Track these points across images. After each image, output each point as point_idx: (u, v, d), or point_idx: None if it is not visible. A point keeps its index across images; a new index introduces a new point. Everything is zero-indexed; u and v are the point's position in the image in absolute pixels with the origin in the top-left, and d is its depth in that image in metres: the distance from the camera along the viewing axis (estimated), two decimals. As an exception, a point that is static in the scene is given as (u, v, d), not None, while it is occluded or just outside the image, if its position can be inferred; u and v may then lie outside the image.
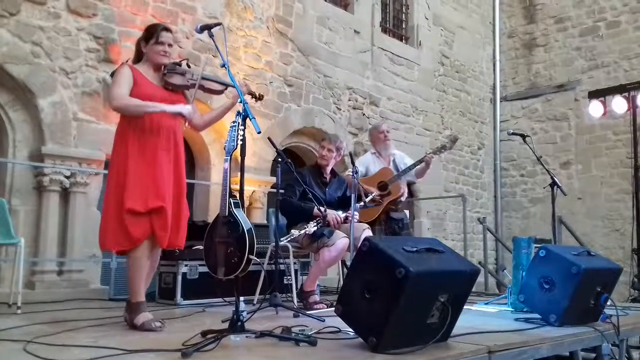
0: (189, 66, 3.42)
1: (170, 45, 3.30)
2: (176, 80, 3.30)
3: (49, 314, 3.71)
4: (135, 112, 3.15)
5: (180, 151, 3.32)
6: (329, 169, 4.63)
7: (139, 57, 3.32)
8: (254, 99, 3.48)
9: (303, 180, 4.30)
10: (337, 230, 4.17)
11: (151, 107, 3.14)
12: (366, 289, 2.47)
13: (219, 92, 3.55)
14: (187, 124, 3.38)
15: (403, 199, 5.11)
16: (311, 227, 4.12)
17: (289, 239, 4.10)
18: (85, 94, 5.30)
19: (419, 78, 9.14)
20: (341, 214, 4.34)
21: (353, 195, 4.19)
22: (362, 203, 4.45)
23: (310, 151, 7.56)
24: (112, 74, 3.27)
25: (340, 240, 4.09)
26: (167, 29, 3.32)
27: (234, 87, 3.31)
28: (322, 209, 4.19)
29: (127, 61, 3.27)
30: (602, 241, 9.31)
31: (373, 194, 4.70)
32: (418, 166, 5.01)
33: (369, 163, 5.20)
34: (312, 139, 7.52)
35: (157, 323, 3.06)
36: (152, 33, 3.27)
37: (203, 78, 3.35)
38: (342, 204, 4.55)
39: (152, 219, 3.09)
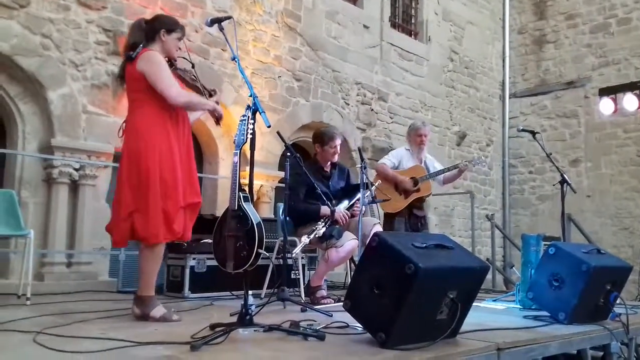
0: (193, 67, 3.47)
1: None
2: (182, 75, 3.38)
3: (58, 306, 3.73)
4: (195, 108, 3.28)
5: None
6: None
7: (147, 39, 3.24)
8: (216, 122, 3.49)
9: (307, 178, 4.25)
10: (346, 232, 4.15)
11: (206, 105, 3.30)
12: (375, 285, 2.46)
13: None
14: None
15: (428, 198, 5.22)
16: (320, 229, 4.08)
17: (300, 248, 4.06)
18: (95, 86, 5.31)
19: (427, 74, 9.10)
20: (346, 205, 4.34)
21: (361, 191, 4.17)
22: (368, 193, 4.40)
23: (318, 146, 7.54)
24: (131, 57, 3.15)
25: (349, 242, 4.07)
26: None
27: (207, 93, 3.43)
28: (331, 207, 4.16)
29: (141, 44, 3.19)
30: (611, 239, 9.26)
31: (376, 184, 4.71)
32: (449, 172, 5.15)
33: (402, 157, 5.23)
34: (320, 134, 7.50)
35: (176, 316, 3.11)
36: (176, 27, 3.30)
37: (197, 79, 3.46)
38: (347, 193, 4.54)
39: (187, 213, 3.16)
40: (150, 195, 3.04)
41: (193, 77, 3.40)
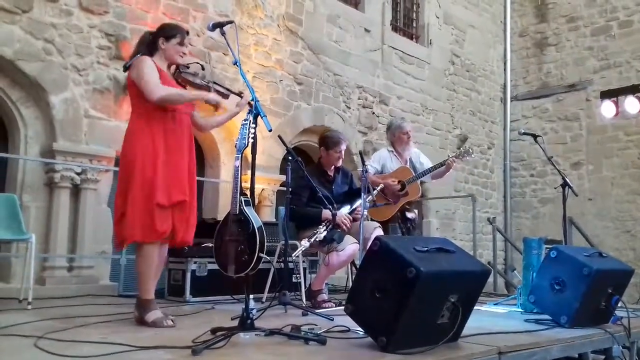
0: (203, 69, 3.48)
1: (186, 47, 3.38)
2: (192, 79, 3.37)
3: (59, 310, 3.73)
4: (179, 101, 3.22)
5: (193, 149, 3.37)
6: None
7: (149, 51, 3.31)
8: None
9: (309, 182, 4.26)
10: (347, 235, 4.15)
11: (192, 95, 3.27)
12: (376, 289, 2.46)
13: (225, 97, 3.60)
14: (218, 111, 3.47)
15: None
16: (321, 233, 4.08)
17: (300, 251, 4.06)
18: (97, 91, 5.32)
19: (429, 77, 9.10)
20: (348, 210, 4.33)
21: (362, 196, 4.17)
22: (370, 197, 4.39)
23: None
24: (127, 67, 3.24)
25: (350, 247, 4.08)
26: (188, 32, 3.41)
27: (237, 94, 3.40)
28: (332, 211, 4.16)
29: (139, 54, 3.25)
30: (613, 242, 9.25)
31: (379, 187, 4.65)
32: (437, 169, 4.99)
33: (385, 160, 5.09)
34: (322, 138, 7.50)
35: (168, 321, 3.08)
36: (175, 34, 3.31)
37: (214, 82, 3.44)
38: (350, 197, 4.54)
39: (174, 213, 3.13)
40: (129, 197, 3.08)
41: (206, 81, 3.40)
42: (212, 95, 3.30)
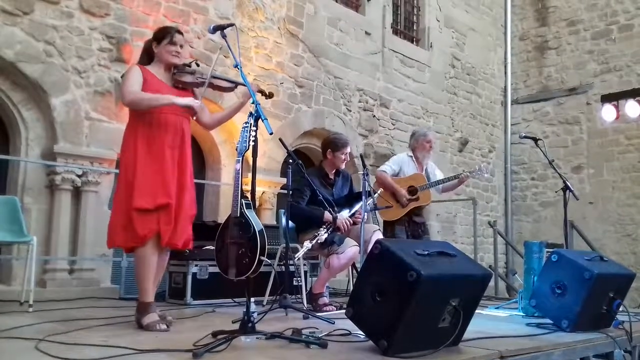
0: (198, 65, 3.45)
1: (181, 46, 3.35)
2: (186, 78, 3.34)
3: (60, 313, 3.73)
4: (146, 105, 3.17)
5: (187, 150, 3.33)
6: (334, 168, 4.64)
7: (149, 58, 3.36)
8: (264, 97, 3.48)
9: (310, 185, 4.26)
10: (347, 238, 4.16)
11: (161, 100, 3.18)
12: (377, 292, 2.46)
13: (229, 90, 3.58)
14: (194, 118, 3.40)
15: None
16: (322, 235, 4.09)
17: (302, 253, 4.05)
18: (98, 93, 5.32)
19: (429, 80, 9.11)
20: (348, 213, 4.34)
21: (363, 198, 4.17)
22: (370, 200, 4.40)
23: (320, 152, 7.54)
24: (123, 76, 3.33)
25: (350, 249, 4.10)
26: (180, 32, 3.39)
27: (243, 85, 3.35)
28: (333, 214, 4.17)
29: (137, 63, 3.32)
30: (614, 246, 9.24)
31: (379, 192, 4.72)
32: (448, 182, 5.16)
33: (403, 163, 5.23)
34: (322, 141, 7.50)
35: (162, 325, 3.06)
36: (164, 34, 3.33)
37: (213, 76, 3.36)
38: (350, 200, 4.55)
39: (160, 216, 3.10)
40: (115, 200, 3.18)
41: (204, 78, 3.32)
42: (180, 100, 3.19)
